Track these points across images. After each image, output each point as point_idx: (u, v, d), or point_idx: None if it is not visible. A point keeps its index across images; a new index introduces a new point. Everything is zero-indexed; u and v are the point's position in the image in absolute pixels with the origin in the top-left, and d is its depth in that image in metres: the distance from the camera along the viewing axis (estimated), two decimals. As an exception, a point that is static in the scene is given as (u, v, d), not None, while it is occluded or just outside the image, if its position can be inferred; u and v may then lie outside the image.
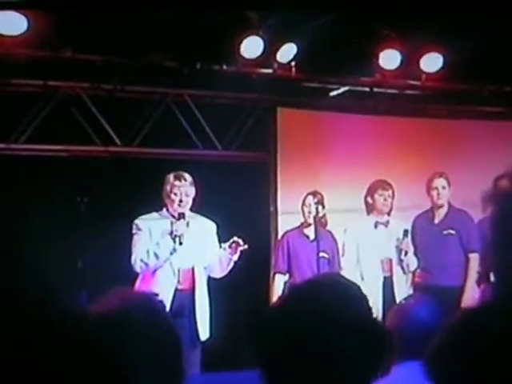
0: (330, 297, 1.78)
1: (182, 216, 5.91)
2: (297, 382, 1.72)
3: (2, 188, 6.70)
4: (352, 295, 1.82)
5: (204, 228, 6.12)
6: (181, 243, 5.86)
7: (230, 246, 5.88)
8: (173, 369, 1.95)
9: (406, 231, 6.87)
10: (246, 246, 5.87)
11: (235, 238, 5.86)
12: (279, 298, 1.92)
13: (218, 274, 6.10)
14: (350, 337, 1.72)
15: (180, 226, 5.88)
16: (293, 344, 1.71)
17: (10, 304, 1.14)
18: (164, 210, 6.04)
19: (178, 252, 5.90)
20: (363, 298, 1.83)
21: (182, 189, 5.99)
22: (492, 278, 1.54)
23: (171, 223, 5.92)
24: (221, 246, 6.04)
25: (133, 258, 5.91)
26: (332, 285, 1.86)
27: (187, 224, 5.97)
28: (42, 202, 6.61)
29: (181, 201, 5.96)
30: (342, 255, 6.98)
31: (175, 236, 5.85)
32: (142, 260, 5.87)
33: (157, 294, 2.18)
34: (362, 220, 7.08)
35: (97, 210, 6.60)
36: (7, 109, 6.86)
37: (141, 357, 1.75)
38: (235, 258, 5.95)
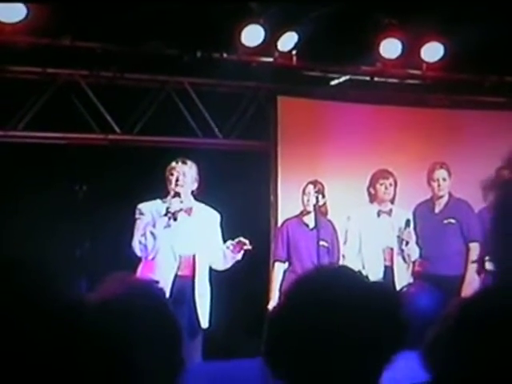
0: (345, 283, 1.76)
1: (177, 194, 5.94)
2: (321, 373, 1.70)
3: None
4: (364, 281, 1.82)
5: (207, 217, 6.13)
6: (175, 219, 5.88)
7: (234, 245, 5.89)
8: (172, 356, 1.94)
9: (408, 221, 6.87)
10: (250, 247, 5.89)
11: (241, 238, 5.89)
12: (285, 293, 1.87)
13: (220, 267, 6.14)
14: (373, 322, 1.71)
15: (174, 203, 5.91)
16: (314, 335, 1.69)
17: (9, 294, 1.12)
18: (168, 197, 6.05)
19: (176, 235, 5.92)
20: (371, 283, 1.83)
21: (180, 169, 6.03)
22: (488, 266, 1.53)
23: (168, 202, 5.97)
24: (224, 240, 6.06)
25: (133, 241, 5.94)
26: (341, 272, 1.85)
27: (190, 209, 6.02)
28: (40, 190, 6.60)
29: (177, 179, 5.99)
30: (344, 243, 6.99)
31: (169, 212, 5.87)
32: (140, 242, 5.90)
33: (157, 282, 2.16)
34: (365, 208, 7.08)
35: (95, 198, 6.59)
36: (6, 96, 6.83)
37: (140, 344, 1.74)
38: (238, 256, 5.98)
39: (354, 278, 1.81)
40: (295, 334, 1.70)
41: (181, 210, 5.95)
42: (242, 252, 5.93)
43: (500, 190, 1.42)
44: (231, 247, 5.92)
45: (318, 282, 1.78)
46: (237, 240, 5.90)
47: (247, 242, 5.88)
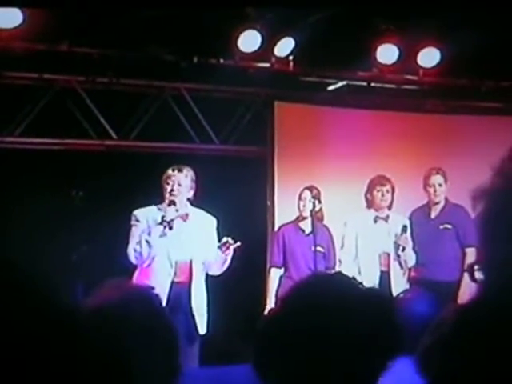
0: (340, 288, 1.77)
1: (172, 203, 5.93)
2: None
3: (-4, 181, 6.68)
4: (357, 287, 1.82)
5: (203, 222, 6.12)
6: (171, 228, 5.88)
7: (221, 247, 5.89)
8: (169, 362, 1.94)
9: (404, 227, 6.86)
10: (238, 244, 5.88)
11: (225, 239, 5.89)
12: (281, 298, 1.88)
13: (216, 272, 6.11)
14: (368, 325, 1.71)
15: (169, 211, 5.90)
16: (312, 339, 1.69)
17: (5, 298, 1.11)
18: (164, 204, 6.04)
19: (172, 241, 5.91)
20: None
21: (175, 178, 6.01)
22: (478, 275, 1.51)
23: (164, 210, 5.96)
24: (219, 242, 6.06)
25: (128, 248, 5.93)
26: (337, 279, 1.85)
27: (186, 215, 6.00)
28: (37, 196, 6.59)
29: (172, 190, 5.98)
30: (341, 248, 6.98)
31: (164, 221, 5.87)
32: (135, 250, 5.89)
33: (153, 288, 2.16)
34: (362, 214, 7.07)
35: (92, 204, 6.59)
36: (2, 101, 6.83)
37: (137, 350, 1.74)
38: (229, 257, 5.96)
39: (350, 285, 1.81)
40: (290, 339, 1.70)
41: (176, 217, 5.94)
42: (232, 251, 5.91)
43: (490, 198, 1.42)
44: (223, 248, 5.91)
45: (314, 288, 1.79)
46: (222, 242, 5.89)
47: (231, 241, 5.85)
